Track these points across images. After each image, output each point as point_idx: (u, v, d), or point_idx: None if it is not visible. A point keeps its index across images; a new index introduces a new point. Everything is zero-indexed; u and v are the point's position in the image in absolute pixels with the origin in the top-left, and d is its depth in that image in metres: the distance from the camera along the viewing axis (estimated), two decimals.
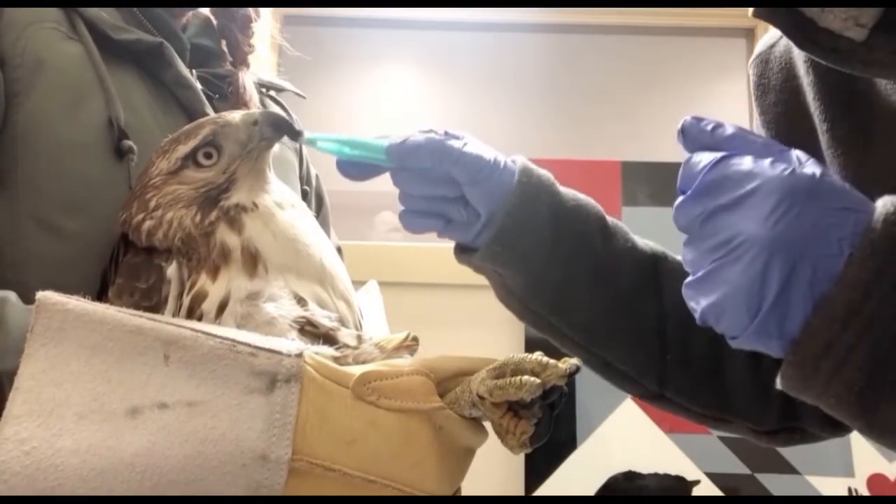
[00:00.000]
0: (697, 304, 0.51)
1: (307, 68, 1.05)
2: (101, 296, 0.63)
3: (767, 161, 0.49)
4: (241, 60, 0.87)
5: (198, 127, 0.65)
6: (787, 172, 0.48)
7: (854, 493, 1.61)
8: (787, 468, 1.64)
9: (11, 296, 0.57)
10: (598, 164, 1.93)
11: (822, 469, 1.64)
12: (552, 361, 0.53)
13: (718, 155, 0.51)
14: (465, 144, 0.68)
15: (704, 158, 0.51)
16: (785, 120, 0.78)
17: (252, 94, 0.86)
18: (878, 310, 0.45)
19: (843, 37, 0.59)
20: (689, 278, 0.51)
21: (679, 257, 0.76)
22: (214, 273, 0.60)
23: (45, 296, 0.48)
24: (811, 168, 0.49)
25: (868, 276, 0.45)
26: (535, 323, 0.77)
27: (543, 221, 0.71)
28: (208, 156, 0.64)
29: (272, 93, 0.94)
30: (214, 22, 0.88)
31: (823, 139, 0.72)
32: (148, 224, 0.62)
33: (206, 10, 0.88)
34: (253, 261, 0.61)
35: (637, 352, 0.76)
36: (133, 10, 0.77)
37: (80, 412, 0.46)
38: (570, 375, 0.52)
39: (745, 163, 0.49)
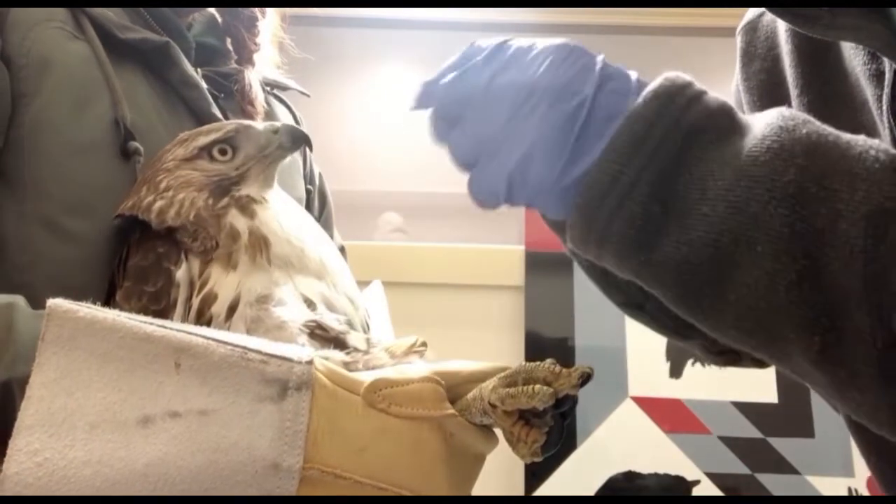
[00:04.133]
0: (500, 178, 0.51)
1: (309, 68, 1.04)
2: (108, 299, 0.63)
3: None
4: (246, 59, 0.87)
5: (222, 125, 0.68)
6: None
7: (854, 493, 1.61)
8: (787, 468, 1.64)
9: (20, 301, 0.56)
10: None
11: (822, 469, 1.64)
12: (565, 370, 0.53)
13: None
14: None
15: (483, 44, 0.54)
16: (766, 87, 0.80)
17: (258, 93, 0.85)
18: (659, 146, 0.47)
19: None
20: (481, 159, 0.52)
21: None
22: (227, 262, 0.60)
23: (55, 303, 0.48)
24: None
25: (650, 114, 0.48)
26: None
27: None
28: (223, 152, 0.66)
29: (276, 91, 0.93)
30: (220, 20, 0.87)
31: (794, 105, 0.75)
32: (159, 203, 0.63)
33: (211, 9, 0.87)
34: (259, 246, 0.62)
35: None
36: (139, 10, 0.76)
37: (91, 422, 0.45)
38: (583, 384, 0.52)
39: (525, 41, 0.52)
